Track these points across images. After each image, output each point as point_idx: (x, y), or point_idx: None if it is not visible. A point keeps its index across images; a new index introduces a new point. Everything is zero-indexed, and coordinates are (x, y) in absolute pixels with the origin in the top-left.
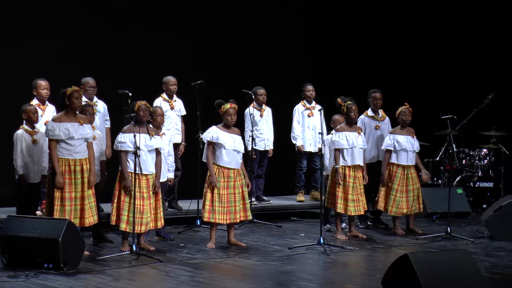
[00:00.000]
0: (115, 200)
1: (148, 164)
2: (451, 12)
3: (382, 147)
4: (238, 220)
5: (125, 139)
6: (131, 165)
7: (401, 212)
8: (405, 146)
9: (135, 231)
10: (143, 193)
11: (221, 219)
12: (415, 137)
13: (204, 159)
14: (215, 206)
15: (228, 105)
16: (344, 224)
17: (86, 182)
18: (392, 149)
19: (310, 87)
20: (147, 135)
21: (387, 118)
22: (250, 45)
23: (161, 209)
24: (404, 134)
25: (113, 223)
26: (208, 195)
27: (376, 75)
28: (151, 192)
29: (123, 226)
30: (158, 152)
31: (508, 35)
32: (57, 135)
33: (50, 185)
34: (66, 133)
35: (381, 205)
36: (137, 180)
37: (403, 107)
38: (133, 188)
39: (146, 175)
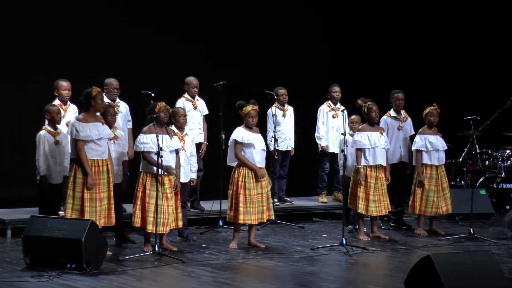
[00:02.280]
0: (138, 202)
1: (170, 164)
2: (474, 13)
3: (413, 148)
4: (265, 220)
5: (148, 140)
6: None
7: (440, 211)
8: (437, 146)
9: (159, 232)
10: (166, 194)
11: (251, 219)
12: (441, 136)
13: (229, 162)
14: (249, 208)
15: (249, 107)
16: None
17: (111, 182)
18: (424, 149)
19: (337, 88)
20: (168, 136)
21: (409, 118)
22: (273, 46)
23: (180, 209)
24: (432, 134)
25: (137, 225)
26: (241, 197)
27: (398, 76)
28: (173, 193)
29: (149, 228)
30: (177, 152)
31: None
32: (88, 136)
33: (78, 187)
34: (96, 134)
35: (418, 208)
36: (160, 181)
37: (432, 107)
38: (157, 189)
39: (168, 175)
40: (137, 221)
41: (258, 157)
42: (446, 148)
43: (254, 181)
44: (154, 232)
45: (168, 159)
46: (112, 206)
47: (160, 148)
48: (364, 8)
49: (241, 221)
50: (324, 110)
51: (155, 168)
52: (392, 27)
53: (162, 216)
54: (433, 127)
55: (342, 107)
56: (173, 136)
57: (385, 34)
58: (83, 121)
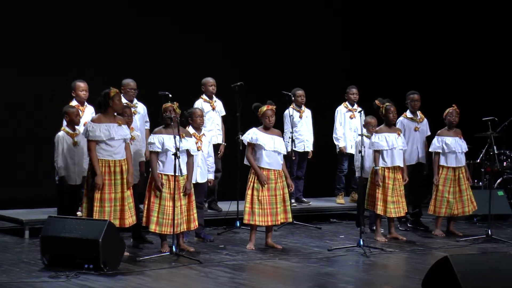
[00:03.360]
0: (146, 202)
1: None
2: (491, 13)
3: (430, 149)
4: (279, 222)
5: (154, 140)
6: (161, 166)
7: (456, 212)
8: (454, 148)
9: (165, 232)
10: (172, 194)
11: (261, 221)
12: (462, 138)
13: (245, 162)
14: (254, 208)
15: (265, 107)
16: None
17: (126, 183)
18: (441, 151)
19: (354, 90)
20: (178, 137)
21: (426, 119)
22: (290, 47)
23: (194, 210)
24: (451, 136)
25: (145, 224)
26: (248, 197)
27: (415, 77)
28: (181, 194)
29: (152, 227)
30: (189, 154)
31: None
32: (97, 136)
33: (90, 186)
34: (106, 134)
35: (431, 209)
36: (168, 182)
37: (451, 108)
38: (175, 190)
39: (177, 176)
40: (145, 221)
41: (268, 159)
42: (466, 150)
43: (267, 183)
44: (157, 232)
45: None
46: (126, 207)
47: (177, 149)
48: (379, 9)
49: (245, 221)
50: (341, 111)
51: (162, 168)
52: (408, 27)
53: (165, 216)
54: (453, 128)
55: (359, 108)
56: (185, 137)
57: (401, 34)
58: (96, 122)
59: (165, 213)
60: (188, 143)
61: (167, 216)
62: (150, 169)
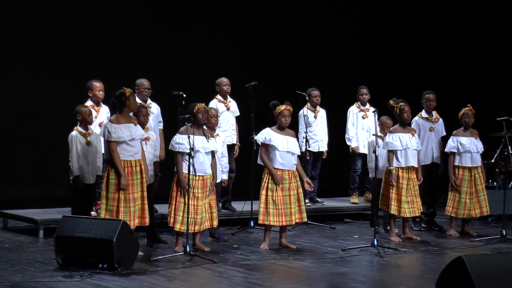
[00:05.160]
0: (173, 202)
1: (205, 165)
2: (505, 13)
3: (446, 150)
4: (294, 223)
5: (183, 141)
6: (185, 166)
7: (473, 213)
8: (469, 147)
9: (190, 231)
10: (197, 194)
11: (275, 221)
12: (478, 138)
13: (259, 161)
14: (269, 209)
15: (283, 107)
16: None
17: (144, 182)
18: (456, 151)
19: (364, 91)
20: (204, 137)
21: (441, 119)
22: (304, 47)
23: (216, 209)
24: (467, 136)
25: (171, 225)
26: (263, 197)
27: (430, 77)
28: (206, 192)
29: (177, 226)
30: (213, 154)
31: None
32: (121, 137)
33: (112, 187)
34: (128, 135)
35: (449, 210)
36: (191, 181)
37: (466, 108)
38: (189, 189)
39: (202, 176)
40: (171, 221)
41: (281, 160)
42: (481, 150)
43: (281, 183)
44: (183, 230)
45: (203, 160)
46: (146, 206)
47: (191, 149)
48: (393, 9)
49: (260, 221)
50: (353, 111)
51: (186, 168)
52: (422, 27)
53: (191, 215)
54: (469, 129)
55: (373, 108)
56: (210, 137)
57: (415, 34)
58: (115, 122)
59: (190, 212)
60: (212, 144)
61: (192, 215)
62: (175, 169)
